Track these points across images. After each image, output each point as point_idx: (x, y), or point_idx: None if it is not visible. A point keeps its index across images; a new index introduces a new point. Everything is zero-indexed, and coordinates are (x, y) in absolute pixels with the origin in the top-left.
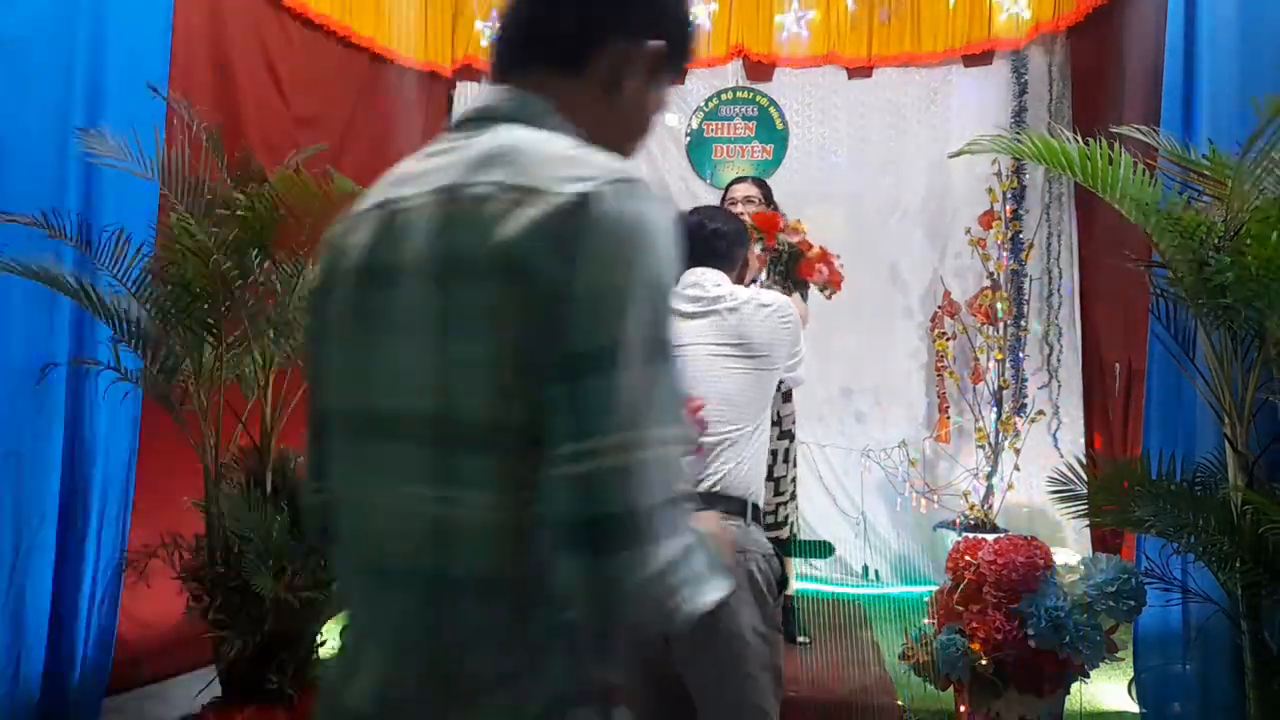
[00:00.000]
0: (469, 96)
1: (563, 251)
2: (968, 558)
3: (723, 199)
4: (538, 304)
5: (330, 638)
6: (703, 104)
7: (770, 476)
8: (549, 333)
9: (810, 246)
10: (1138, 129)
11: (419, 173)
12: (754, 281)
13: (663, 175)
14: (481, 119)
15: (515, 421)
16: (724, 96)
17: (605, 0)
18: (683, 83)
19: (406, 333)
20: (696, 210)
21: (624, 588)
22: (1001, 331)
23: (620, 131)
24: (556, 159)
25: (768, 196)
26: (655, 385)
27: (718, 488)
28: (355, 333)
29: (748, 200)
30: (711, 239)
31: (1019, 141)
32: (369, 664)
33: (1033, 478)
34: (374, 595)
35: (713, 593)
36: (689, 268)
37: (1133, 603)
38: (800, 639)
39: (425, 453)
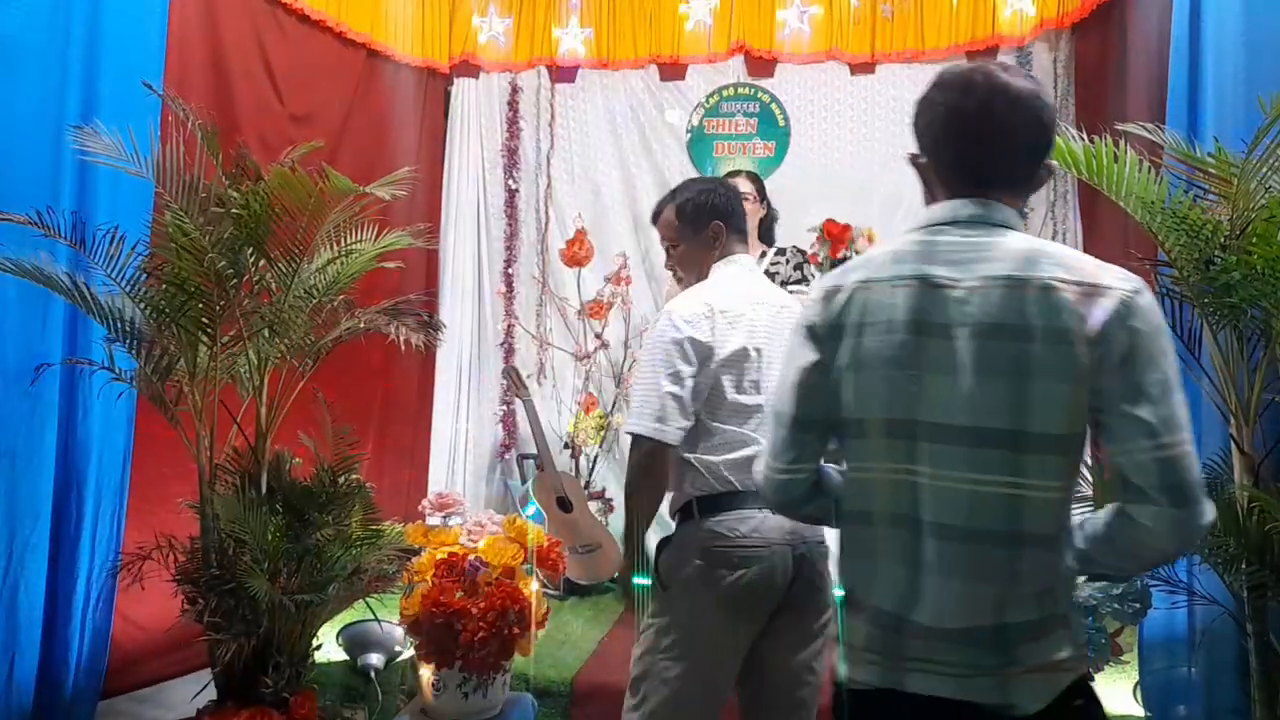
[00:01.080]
0: (466, 93)
1: (1128, 326)
2: None
3: None
4: (1114, 359)
5: (325, 640)
6: (704, 100)
7: None
8: (1120, 375)
9: None
10: (1143, 126)
11: (947, 257)
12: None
13: (663, 173)
14: (979, 223)
15: (1073, 433)
16: (725, 93)
17: (1047, 146)
18: None
19: (978, 372)
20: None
21: (1196, 527)
22: None
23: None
24: (1090, 263)
25: (761, 192)
26: (1184, 403)
27: None
28: (907, 366)
29: (743, 198)
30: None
31: None
32: (939, 593)
33: None
34: (953, 546)
35: None
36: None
37: (1138, 605)
38: None
39: (998, 454)
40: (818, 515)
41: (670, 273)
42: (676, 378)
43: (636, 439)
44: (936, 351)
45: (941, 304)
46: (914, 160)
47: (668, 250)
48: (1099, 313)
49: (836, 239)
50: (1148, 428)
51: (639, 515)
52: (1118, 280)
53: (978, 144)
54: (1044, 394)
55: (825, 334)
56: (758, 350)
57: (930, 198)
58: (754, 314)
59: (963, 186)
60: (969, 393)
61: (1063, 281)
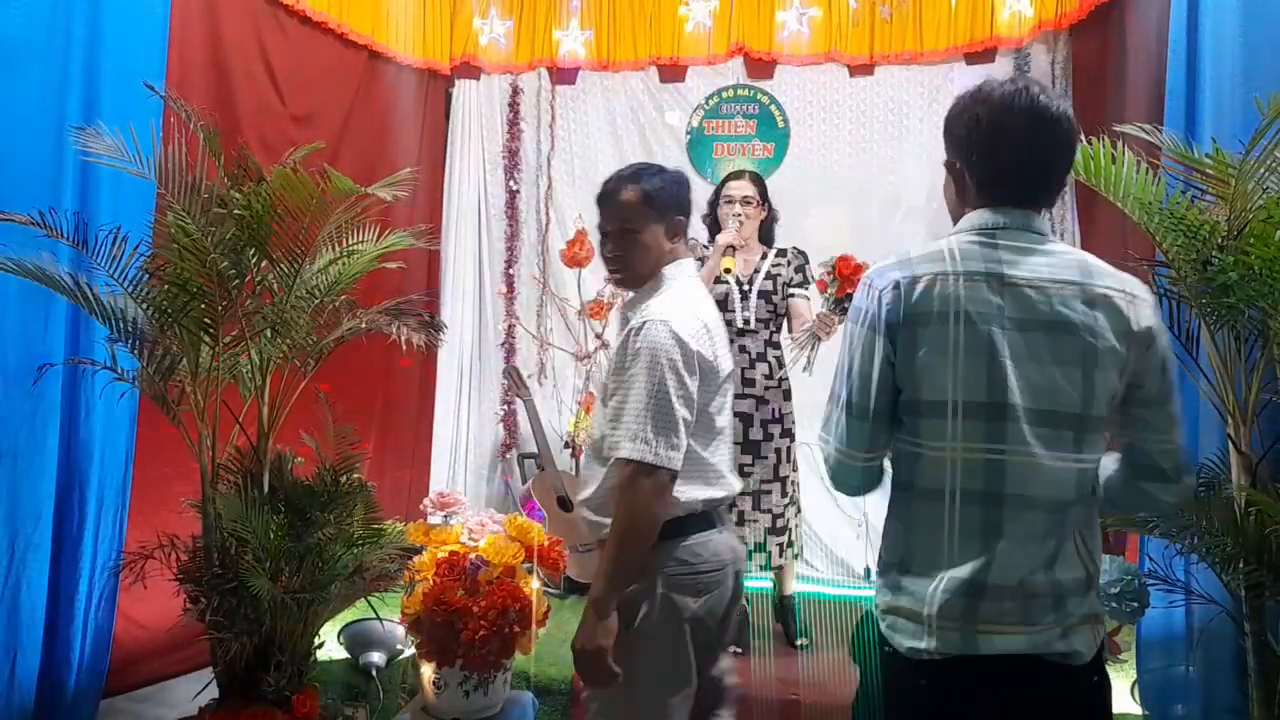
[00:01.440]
0: (467, 94)
1: (1162, 331)
2: None
3: (717, 194)
4: (1157, 360)
5: (326, 639)
6: (703, 102)
7: (776, 476)
8: (1161, 375)
9: None
10: (1140, 127)
11: (1011, 260)
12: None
13: None
14: (1025, 230)
15: (1110, 415)
16: (725, 94)
17: (1072, 163)
18: None
19: (1055, 362)
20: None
21: (1190, 496)
22: None
23: None
24: (1116, 273)
25: (763, 194)
26: None
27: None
28: (990, 355)
29: (746, 201)
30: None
31: None
32: (1012, 557)
33: None
34: (1029, 515)
35: None
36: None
37: (1136, 604)
38: (800, 641)
39: (1070, 434)
40: (869, 491)
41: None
42: (688, 399)
43: (647, 469)
44: (1017, 343)
45: (1019, 300)
46: (949, 166)
47: (617, 235)
48: (1144, 319)
49: (847, 279)
50: (1175, 422)
51: (633, 565)
52: (1143, 289)
53: (1022, 161)
54: (1102, 382)
55: (900, 324)
56: (730, 372)
57: (960, 202)
58: (723, 331)
59: (1002, 197)
60: (1047, 380)
61: (1113, 289)
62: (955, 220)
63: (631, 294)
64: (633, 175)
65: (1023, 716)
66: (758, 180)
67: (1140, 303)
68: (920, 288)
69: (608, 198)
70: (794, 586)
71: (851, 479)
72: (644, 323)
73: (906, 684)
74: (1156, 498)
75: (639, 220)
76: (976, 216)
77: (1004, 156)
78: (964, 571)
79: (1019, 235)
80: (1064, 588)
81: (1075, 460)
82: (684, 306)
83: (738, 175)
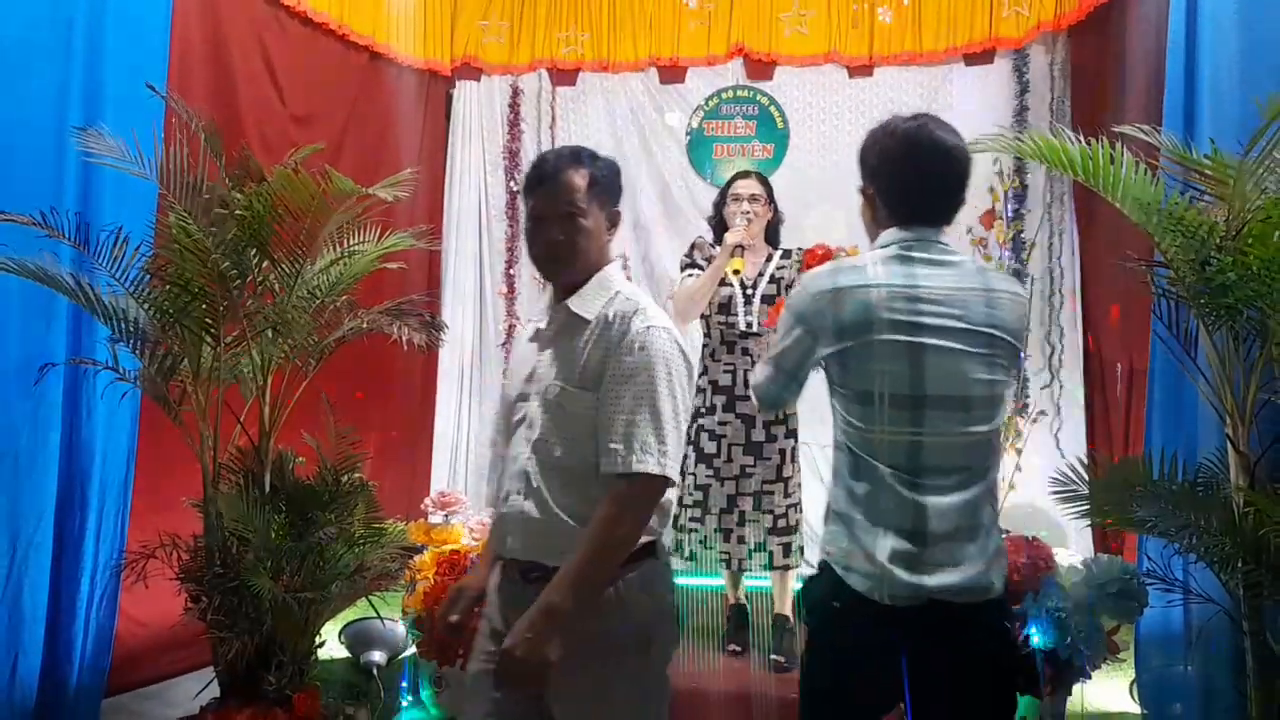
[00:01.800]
0: (468, 95)
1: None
2: None
3: (723, 194)
4: (1020, 351)
5: (328, 638)
6: (703, 103)
7: (779, 477)
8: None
9: None
10: (1139, 128)
11: (925, 272)
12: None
13: (663, 175)
14: (937, 244)
15: (1004, 393)
16: (724, 95)
17: (964, 187)
18: None
19: (964, 359)
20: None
21: None
22: None
23: None
24: (1007, 277)
25: (770, 194)
26: None
27: None
28: (908, 356)
29: (754, 199)
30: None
31: (1020, 141)
32: (941, 508)
33: (1034, 478)
34: (951, 477)
35: None
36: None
37: (1134, 603)
38: (775, 657)
39: (968, 414)
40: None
41: (559, 258)
42: (687, 412)
43: (658, 484)
44: (934, 340)
45: (933, 305)
46: (863, 191)
47: (563, 220)
48: (1026, 316)
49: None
50: (1008, 401)
51: (606, 580)
52: (1024, 291)
53: (925, 188)
54: (994, 375)
55: (832, 329)
56: None
57: (875, 223)
58: None
59: (911, 217)
60: (960, 371)
61: (1007, 292)
62: (872, 238)
63: (564, 292)
64: (574, 156)
65: (962, 642)
66: (764, 180)
67: (1024, 302)
68: (849, 298)
69: (549, 179)
70: (790, 600)
71: (774, 404)
72: (647, 327)
73: (859, 620)
74: None
75: (583, 207)
76: (893, 233)
77: (910, 183)
78: (904, 523)
79: (929, 248)
80: (980, 531)
81: (983, 433)
82: (662, 311)
83: (745, 175)
